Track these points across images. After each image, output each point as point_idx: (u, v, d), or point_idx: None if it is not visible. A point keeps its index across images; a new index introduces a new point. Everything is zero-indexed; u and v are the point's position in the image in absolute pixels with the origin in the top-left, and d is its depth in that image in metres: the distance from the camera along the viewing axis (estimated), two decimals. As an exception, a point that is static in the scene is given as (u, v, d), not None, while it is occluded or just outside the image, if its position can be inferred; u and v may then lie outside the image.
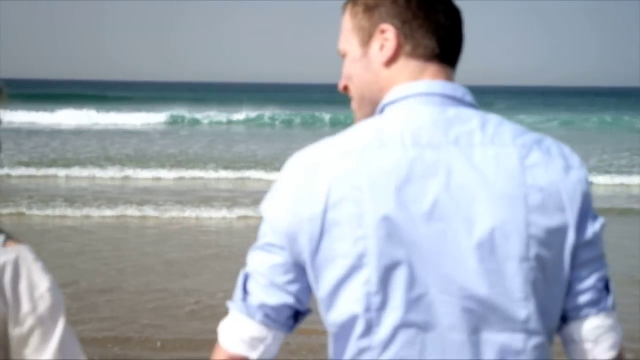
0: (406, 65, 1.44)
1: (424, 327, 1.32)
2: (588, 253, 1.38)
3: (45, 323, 1.53)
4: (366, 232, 1.31)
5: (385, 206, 1.31)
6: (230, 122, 34.26)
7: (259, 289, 1.40)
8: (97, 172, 15.55)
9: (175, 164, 17.14)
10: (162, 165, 16.81)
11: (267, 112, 36.45)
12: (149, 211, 11.30)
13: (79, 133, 25.93)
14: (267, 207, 1.41)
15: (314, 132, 27.81)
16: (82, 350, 1.58)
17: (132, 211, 11.26)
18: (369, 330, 1.34)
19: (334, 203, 1.33)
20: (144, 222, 10.76)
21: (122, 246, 9.10)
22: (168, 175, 15.64)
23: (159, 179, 15.33)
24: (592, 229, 1.38)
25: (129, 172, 15.75)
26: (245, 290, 1.41)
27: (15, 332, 1.50)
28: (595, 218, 1.39)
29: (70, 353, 1.56)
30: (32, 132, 24.88)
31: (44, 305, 1.52)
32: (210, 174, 15.92)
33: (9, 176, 14.94)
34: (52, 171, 15.64)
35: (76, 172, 15.65)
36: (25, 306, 1.51)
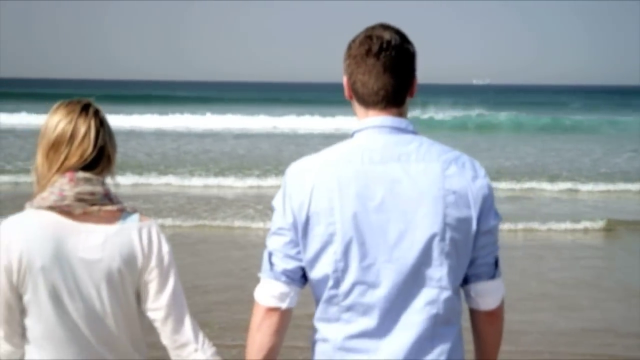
0: (357, 107, 2.09)
1: (372, 285, 1.97)
2: (484, 239, 2.02)
3: (163, 276, 2.14)
4: (335, 219, 1.96)
5: (348, 202, 1.95)
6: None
7: (279, 261, 2.04)
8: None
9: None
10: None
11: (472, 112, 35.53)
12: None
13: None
14: (275, 202, 2.06)
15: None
16: (185, 300, 2.20)
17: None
18: (336, 284, 1.98)
19: (315, 199, 1.98)
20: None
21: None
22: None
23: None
24: (490, 223, 2.02)
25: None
26: (271, 263, 2.05)
27: (142, 280, 2.13)
28: (495, 216, 2.04)
29: (179, 299, 2.16)
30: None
31: (164, 262, 2.14)
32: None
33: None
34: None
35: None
36: (153, 261, 2.12)
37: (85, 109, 2.15)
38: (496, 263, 2.06)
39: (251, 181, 15.37)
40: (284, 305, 2.05)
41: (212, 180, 15.41)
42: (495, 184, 12.02)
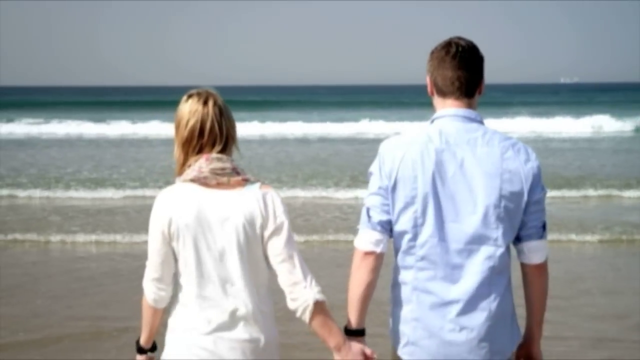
0: (437, 99, 2.68)
1: (441, 239, 2.55)
2: (534, 207, 2.59)
3: (279, 230, 2.61)
4: (417, 184, 2.54)
5: (428, 173, 2.53)
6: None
7: (376, 214, 2.61)
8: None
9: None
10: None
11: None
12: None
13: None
14: (372, 169, 2.62)
15: None
16: (297, 248, 2.64)
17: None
18: (414, 236, 2.56)
19: (402, 168, 2.55)
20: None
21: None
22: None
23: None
24: (538, 194, 2.58)
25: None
26: (369, 216, 2.61)
27: (263, 234, 2.62)
28: (541, 189, 2.59)
29: (292, 248, 2.62)
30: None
31: (279, 220, 2.62)
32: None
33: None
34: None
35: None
36: (270, 220, 2.61)
37: (205, 102, 2.63)
38: (544, 226, 2.62)
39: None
40: (378, 250, 2.61)
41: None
42: None
